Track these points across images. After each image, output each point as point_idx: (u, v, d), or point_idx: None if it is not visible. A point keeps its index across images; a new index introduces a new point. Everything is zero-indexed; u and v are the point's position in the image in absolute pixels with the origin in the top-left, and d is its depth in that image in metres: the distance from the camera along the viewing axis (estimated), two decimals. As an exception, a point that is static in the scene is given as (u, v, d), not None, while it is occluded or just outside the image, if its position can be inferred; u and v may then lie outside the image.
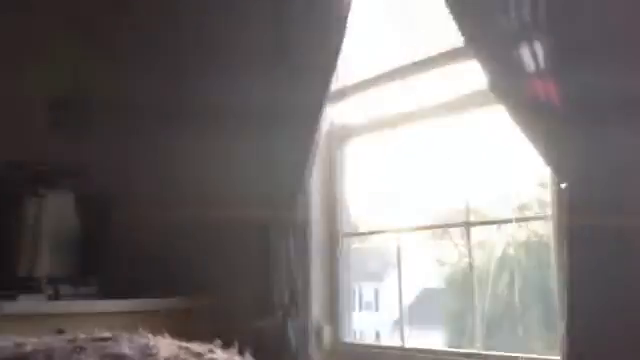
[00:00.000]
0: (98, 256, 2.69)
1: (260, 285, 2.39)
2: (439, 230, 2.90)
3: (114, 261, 2.69)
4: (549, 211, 1.91)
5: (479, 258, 2.35)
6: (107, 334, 1.00)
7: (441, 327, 3.00)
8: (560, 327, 1.63)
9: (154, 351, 0.95)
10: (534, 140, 1.69)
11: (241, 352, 1.06)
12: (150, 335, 1.01)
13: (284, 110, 2.35)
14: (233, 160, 2.56)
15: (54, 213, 2.60)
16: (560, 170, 1.69)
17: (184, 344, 1.01)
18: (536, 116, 1.68)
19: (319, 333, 2.44)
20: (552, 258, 1.84)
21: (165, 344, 0.98)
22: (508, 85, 1.75)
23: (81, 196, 2.67)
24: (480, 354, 2.03)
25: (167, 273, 2.66)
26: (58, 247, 2.60)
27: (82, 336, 0.99)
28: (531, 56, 1.68)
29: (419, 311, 3.03)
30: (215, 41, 2.62)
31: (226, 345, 1.06)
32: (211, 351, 1.01)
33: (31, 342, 0.96)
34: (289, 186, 2.36)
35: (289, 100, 2.33)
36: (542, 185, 2.19)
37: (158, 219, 2.71)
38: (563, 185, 1.66)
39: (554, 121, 1.63)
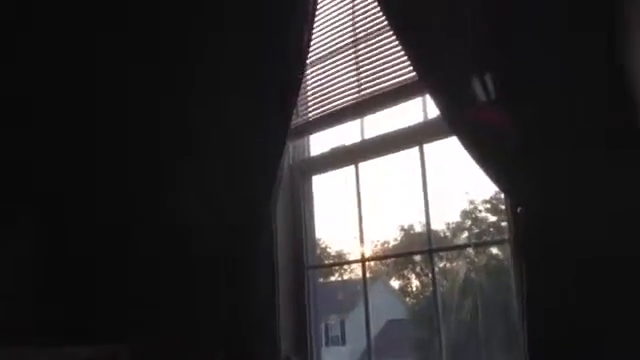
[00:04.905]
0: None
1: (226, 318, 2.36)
2: (402, 260, 2.95)
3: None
4: (506, 236, 1.98)
5: (442, 285, 2.39)
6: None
7: (408, 359, 3.02)
8: (522, 350, 1.67)
9: None
10: (486, 168, 1.75)
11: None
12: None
13: (244, 145, 2.37)
14: (194, 195, 2.54)
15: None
16: (514, 195, 1.76)
17: None
18: (487, 145, 1.74)
19: (288, 364, 2.42)
20: (512, 282, 1.90)
21: None
22: (460, 116, 1.83)
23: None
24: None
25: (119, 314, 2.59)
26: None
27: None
28: (482, 86, 1.76)
29: (385, 343, 3.04)
30: (176, 71, 2.63)
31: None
32: None
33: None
34: (253, 220, 2.38)
35: (249, 135, 2.36)
36: (498, 211, 2.28)
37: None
38: (519, 209, 1.72)
39: (505, 148, 1.70)
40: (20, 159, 2.65)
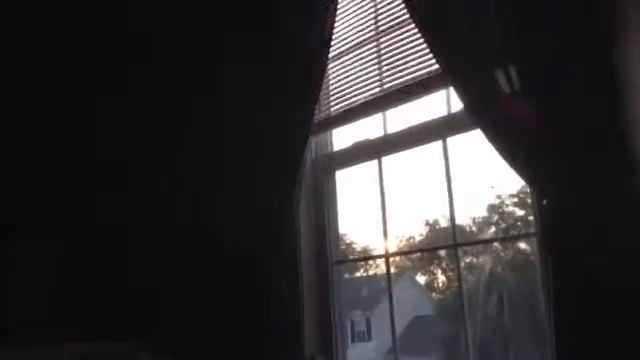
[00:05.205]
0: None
1: (250, 317, 2.37)
2: (428, 256, 2.92)
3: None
4: (533, 229, 1.94)
5: (468, 281, 2.36)
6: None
7: (434, 355, 2.99)
8: (550, 345, 1.64)
9: None
10: (512, 160, 1.72)
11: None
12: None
13: (267, 141, 2.37)
14: (218, 193, 2.55)
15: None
16: (540, 188, 1.72)
17: None
18: (512, 137, 1.72)
19: (313, 361, 2.42)
20: (538, 276, 1.87)
21: None
22: (484, 109, 1.80)
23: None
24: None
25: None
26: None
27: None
28: (506, 79, 1.73)
29: (411, 340, 3.01)
30: (197, 73, 2.63)
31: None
32: None
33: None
34: (276, 217, 2.38)
35: (272, 131, 2.36)
36: (526, 205, 2.23)
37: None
38: (544, 202, 1.69)
39: (530, 140, 1.67)
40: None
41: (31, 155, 2.60)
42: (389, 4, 2.31)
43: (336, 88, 2.51)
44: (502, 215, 2.42)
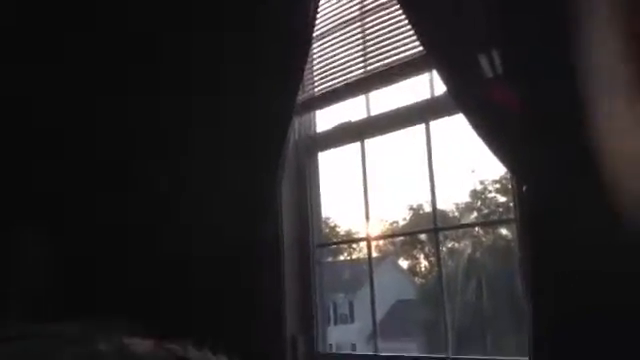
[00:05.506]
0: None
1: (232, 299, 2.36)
2: (411, 240, 2.92)
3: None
4: (512, 215, 1.93)
5: (448, 265, 2.36)
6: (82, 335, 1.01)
7: (415, 338, 3.01)
8: (527, 330, 1.65)
9: (130, 348, 0.97)
10: (492, 146, 1.72)
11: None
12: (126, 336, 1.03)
13: (251, 122, 2.35)
14: (199, 174, 2.53)
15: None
16: (519, 174, 1.71)
17: (159, 343, 1.03)
18: (494, 122, 1.71)
19: (294, 343, 2.42)
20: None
21: (140, 342, 1.01)
22: (467, 92, 1.78)
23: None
24: (451, 359, 2.04)
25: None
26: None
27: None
28: (489, 63, 1.71)
29: (394, 323, 3.03)
30: (175, 55, 2.59)
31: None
32: (185, 349, 1.04)
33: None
34: (259, 198, 2.36)
35: (256, 111, 2.33)
36: (507, 191, 2.23)
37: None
38: (524, 187, 1.68)
39: (511, 126, 1.66)
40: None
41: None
42: (375, -17, 2.27)
43: (320, 68, 2.48)
44: (484, 201, 2.42)
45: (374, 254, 2.42)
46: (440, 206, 2.20)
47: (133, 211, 2.55)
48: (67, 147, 2.67)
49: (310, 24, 2.25)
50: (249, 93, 2.36)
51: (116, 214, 2.57)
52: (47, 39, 2.67)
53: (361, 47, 2.32)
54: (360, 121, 2.43)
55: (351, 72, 2.35)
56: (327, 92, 2.45)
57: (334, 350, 2.68)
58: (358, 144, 2.42)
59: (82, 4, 2.71)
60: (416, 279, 3.13)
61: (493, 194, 2.40)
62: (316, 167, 2.59)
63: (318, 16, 2.31)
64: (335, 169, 2.62)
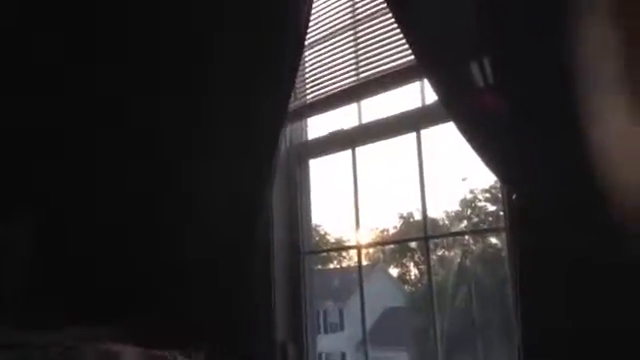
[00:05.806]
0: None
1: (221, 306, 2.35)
2: (401, 248, 2.93)
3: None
4: (502, 224, 1.94)
5: (438, 274, 2.37)
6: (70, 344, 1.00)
7: (405, 347, 3.01)
8: (517, 338, 1.65)
9: (118, 357, 0.96)
10: (482, 154, 1.72)
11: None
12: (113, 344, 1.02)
13: (243, 128, 2.34)
14: (190, 180, 2.52)
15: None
16: (509, 182, 1.72)
17: (147, 351, 1.02)
18: (484, 130, 1.72)
19: (284, 350, 2.41)
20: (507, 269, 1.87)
21: (128, 351, 1.00)
22: (457, 101, 1.79)
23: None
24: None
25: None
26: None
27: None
28: (480, 72, 1.72)
29: (384, 331, 3.03)
30: (170, 59, 2.59)
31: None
32: (175, 358, 1.03)
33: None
34: (249, 205, 2.35)
35: (247, 118, 2.33)
36: (498, 200, 2.24)
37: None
38: (514, 196, 1.69)
39: (502, 134, 1.67)
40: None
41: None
42: (367, -8, 2.28)
43: (312, 76, 2.49)
44: (474, 209, 2.43)
45: (364, 262, 2.42)
46: (430, 214, 2.20)
47: (121, 214, 2.54)
48: (62, 147, 2.65)
49: (302, 31, 2.26)
50: (241, 95, 2.36)
51: (106, 216, 2.55)
52: (47, 39, 2.65)
53: (353, 55, 2.33)
54: (351, 129, 2.44)
55: (343, 80, 2.36)
56: (319, 100, 2.45)
57: (324, 359, 2.67)
58: (349, 152, 2.42)
59: (82, 4, 2.71)
60: (406, 287, 3.14)
61: (483, 203, 2.41)
62: (307, 174, 2.59)
63: (310, 24, 2.32)
64: (326, 177, 2.62)
